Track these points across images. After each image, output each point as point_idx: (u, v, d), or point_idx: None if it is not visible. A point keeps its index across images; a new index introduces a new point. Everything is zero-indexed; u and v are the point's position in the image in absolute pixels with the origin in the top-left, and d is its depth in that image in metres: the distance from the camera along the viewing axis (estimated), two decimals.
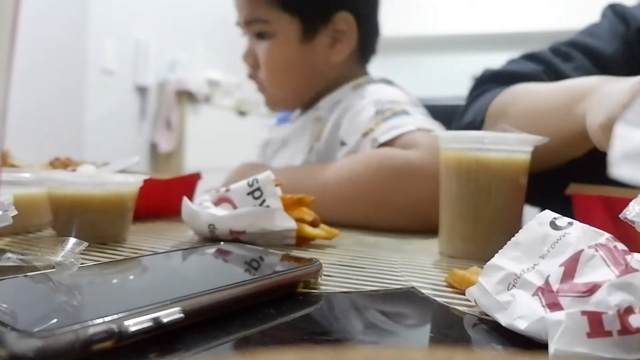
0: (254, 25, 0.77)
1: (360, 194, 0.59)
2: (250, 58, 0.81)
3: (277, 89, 0.81)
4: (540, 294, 0.24)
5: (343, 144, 0.70)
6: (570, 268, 0.24)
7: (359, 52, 0.81)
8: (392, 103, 0.69)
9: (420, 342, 0.26)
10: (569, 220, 0.27)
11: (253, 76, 0.83)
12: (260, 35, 0.77)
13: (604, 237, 0.25)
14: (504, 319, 0.25)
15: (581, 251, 0.24)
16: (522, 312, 0.24)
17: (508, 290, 0.26)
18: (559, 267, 0.25)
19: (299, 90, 0.80)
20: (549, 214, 0.28)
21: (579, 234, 0.25)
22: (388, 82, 0.79)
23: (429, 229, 0.57)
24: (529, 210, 0.56)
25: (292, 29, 0.76)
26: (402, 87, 0.79)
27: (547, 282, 0.25)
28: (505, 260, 0.28)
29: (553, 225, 0.27)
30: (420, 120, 0.66)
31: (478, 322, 0.28)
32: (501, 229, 0.44)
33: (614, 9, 0.73)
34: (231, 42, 0.92)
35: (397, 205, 0.59)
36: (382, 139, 0.63)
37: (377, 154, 0.61)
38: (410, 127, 0.63)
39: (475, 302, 0.28)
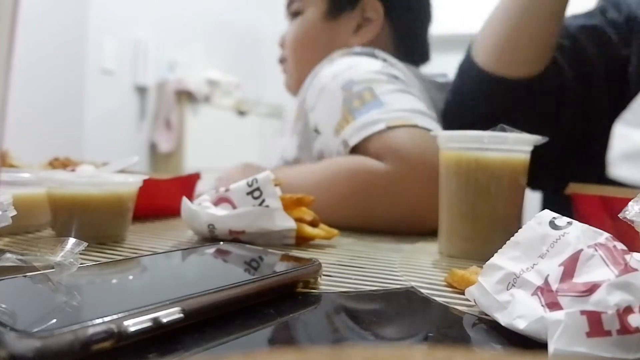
0: (293, 4, 0.82)
1: (336, 202, 0.57)
2: (282, 40, 0.85)
3: (295, 64, 0.83)
4: (539, 293, 0.24)
5: (317, 131, 0.68)
6: (570, 268, 0.24)
7: (391, 48, 0.80)
8: (362, 85, 0.63)
9: (420, 342, 0.26)
10: (568, 219, 0.27)
11: (281, 57, 0.87)
12: (295, 14, 0.82)
13: (603, 236, 0.25)
14: (503, 319, 0.25)
15: (580, 251, 0.24)
16: (521, 312, 0.24)
17: (507, 289, 0.26)
18: (558, 266, 0.25)
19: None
20: (548, 214, 0.28)
21: (578, 234, 0.25)
22: (371, 54, 0.72)
23: (411, 232, 0.57)
24: (529, 210, 0.56)
25: (319, 6, 0.80)
26: (391, 59, 0.72)
27: (546, 281, 0.25)
28: (505, 259, 0.28)
29: (552, 224, 0.27)
30: (395, 109, 0.60)
31: (477, 321, 0.28)
32: (500, 228, 0.44)
33: None
34: (230, 42, 0.93)
35: (372, 216, 0.58)
36: (352, 142, 0.60)
37: (352, 163, 0.59)
38: (380, 126, 0.58)
39: (475, 302, 0.29)
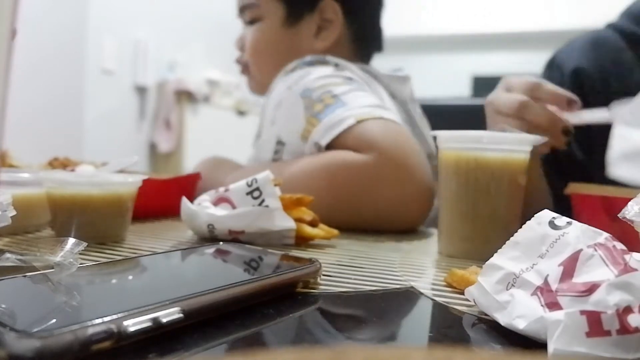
0: (247, 11, 0.82)
1: (316, 197, 0.54)
2: (240, 43, 0.86)
3: (258, 69, 0.84)
4: (539, 293, 0.24)
5: (281, 143, 0.67)
6: (569, 267, 0.24)
7: (352, 45, 0.81)
8: (320, 90, 0.63)
9: (420, 342, 0.26)
10: (568, 220, 0.27)
11: (239, 60, 0.87)
12: (252, 21, 0.81)
13: (603, 236, 0.25)
14: (503, 319, 0.26)
15: (580, 251, 0.24)
16: (521, 312, 0.24)
17: (507, 289, 0.26)
18: (557, 266, 0.25)
19: (278, 74, 0.77)
20: (548, 214, 0.28)
21: (577, 234, 0.25)
22: (323, 61, 0.72)
23: (395, 230, 0.58)
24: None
25: (277, 13, 0.79)
26: (343, 63, 0.73)
27: (546, 281, 0.25)
28: (504, 259, 0.28)
29: (552, 224, 0.27)
30: (358, 105, 0.61)
31: (477, 321, 0.28)
32: (500, 228, 0.44)
33: (549, 62, 0.77)
34: (230, 42, 0.94)
35: (353, 210, 0.58)
36: (324, 142, 0.59)
37: (331, 158, 0.58)
38: (350, 121, 0.58)
39: (475, 302, 0.29)
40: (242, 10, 0.82)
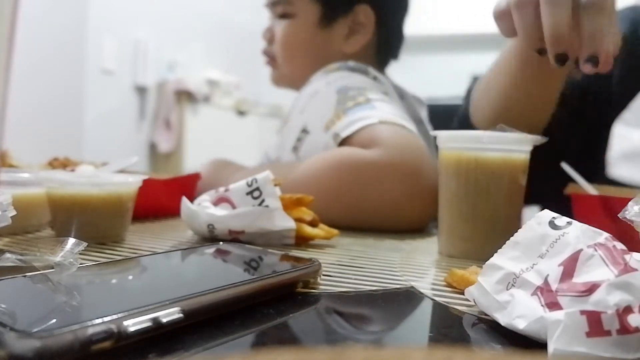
0: (278, 6, 0.83)
1: (323, 195, 0.55)
2: (268, 34, 0.87)
3: (286, 64, 0.85)
4: (539, 293, 0.24)
5: (305, 131, 0.69)
6: (569, 267, 0.24)
7: (376, 51, 0.83)
8: (357, 91, 0.66)
9: (420, 342, 0.26)
10: (568, 219, 0.27)
11: (267, 51, 0.88)
12: (283, 16, 0.82)
13: (603, 236, 0.25)
14: (503, 319, 0.25)
15: (580, 251, 0.24)
16: (521, 312, 0.24)
17: (507, 289, 0.26)
18: (557, 266, 0.25)
19: (306, 71, 0.80)
20: (548, 214, 0.28)
21: (577, 234, 0.25)
22: (364, 71, 0.75)
23: (400, 229, 0.58)
24: (529, 210, 0.56)
25: (312, 12, 0.80)
26: (381, 77, 0.76)
27: (546, 281, 0.25)
28: (504, 259, 0.28)
29: (552, 224, 0.27)
30: (386, 112, 0.63)
31: (477, 321, 0.28)
32: (500, 228, 0.44)
33: None
34: (230, 42, 0.95)
35: (360, 207, 0.58)
36: (344, 134, 0.61)
37: (338, 154, 0.60)
38: (372, 120, 0.60)
39: (475, 302, 0.29)
40: (274, 4, 0.83)
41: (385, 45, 0.84)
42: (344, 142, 0.61)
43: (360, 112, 0.62)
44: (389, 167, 0.56)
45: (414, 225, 0.60)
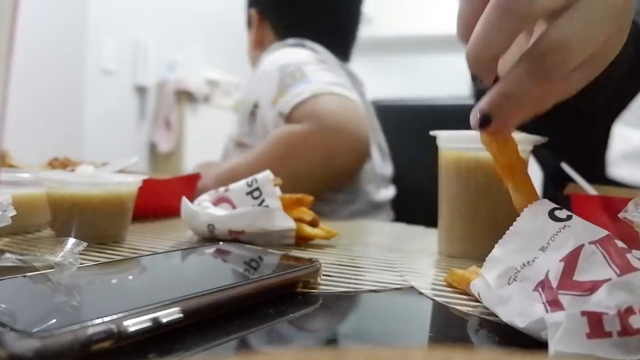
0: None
1: (278, 169, 0.60)
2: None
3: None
4: (540, 289, 0.24)
5: (257, 105, 0.83)
6: (571, 264, 0.24)
7: (275, 32, 0.97)
8: (295, 67, 0.79)
9: (420, 342, 0.26)
10: (568, 212, 0.27)
11: None
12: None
13: (604, 234, 0.25)
14: (504, 315, 0.25)
15: (581, 246, 0.24)
16: (522, 309, 0.24)
17: (509, 284, 0.26)
18: (559, 262, 0.24)
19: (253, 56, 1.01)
20: (548, 203, 0.28)
21: (579, 229, 0.25)
22: (301, 45, 0.88)
23: (338, 181, 0.79)
24: None
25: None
26: (318, 47, 0.88)
27: (547, 277, 0.24)
28: (506, 252, 0.27)
29: (552, 215, 0.27)
30: (320, 82, 0.76)
31: (477, 321, 0.28)
32: (500, 228, 0.44)
33: None
34: (230, 42, 0.99)
35: (297, 175, 0.69)
36: (285, 111, 0.75)
37: (273, 136, 0.75)
38: (305, 94, 0.73)
39: (479, 296, 0.28)
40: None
41: (279, 24, 0.97)
42: (289, 117, 0.75)
43: (297, 87, 0.75)
44: (312, 137, 0.71)
45: (350, 169, 0.77)
